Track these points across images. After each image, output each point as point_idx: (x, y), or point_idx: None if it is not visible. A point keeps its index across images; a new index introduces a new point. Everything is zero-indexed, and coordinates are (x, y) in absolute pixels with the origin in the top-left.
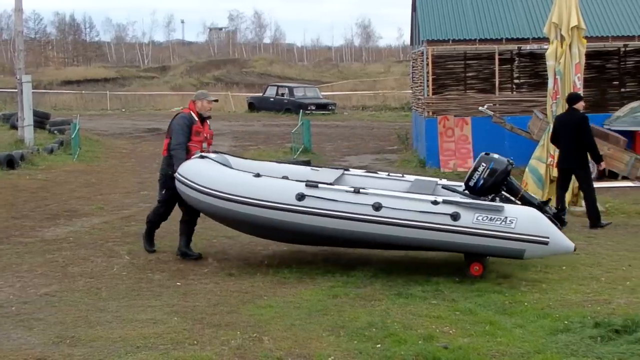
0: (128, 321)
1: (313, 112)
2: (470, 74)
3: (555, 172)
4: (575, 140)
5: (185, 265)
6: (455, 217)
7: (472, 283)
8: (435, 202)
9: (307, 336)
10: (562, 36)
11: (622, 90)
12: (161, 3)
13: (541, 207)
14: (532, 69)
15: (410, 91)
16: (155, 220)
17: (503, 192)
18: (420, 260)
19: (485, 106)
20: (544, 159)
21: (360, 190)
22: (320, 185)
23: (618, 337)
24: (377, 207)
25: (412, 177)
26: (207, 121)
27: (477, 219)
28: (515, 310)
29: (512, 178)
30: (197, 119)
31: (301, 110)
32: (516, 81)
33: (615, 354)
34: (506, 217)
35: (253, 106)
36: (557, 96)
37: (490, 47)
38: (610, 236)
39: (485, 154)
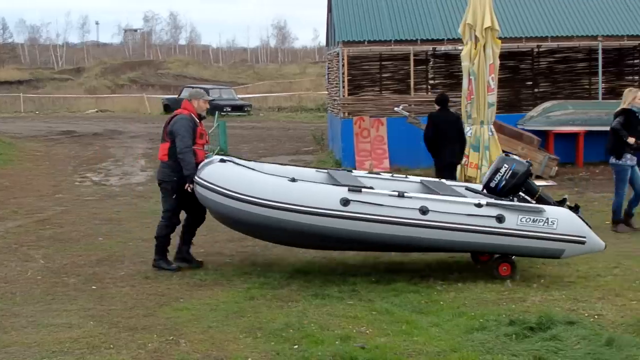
0: (43, 326)
1: (229, 113)
2: (385, 75)
3: (470, 172)
4: (458, 138)
5: (101, 269)
6: (500, 219)
7: (388, 283)
8: (479, 205)
9: (224, 338)
10: (476, 37)
11: (536, 90)
12: (76, 4)
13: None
14: (446, 69)
15: (326, 92)
16: (166, 233)
17: (521, 193)
18: (337, 260)
19: (401, 107)
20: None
21: (405, 194)
22: (363, 190)
23: (533, 335)
24: (424, 211)
25: (416, 179)
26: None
27: (521, 220)
28: (431, 309)
29: (531, 179)
30: (197, 120)
31: (217, 112)
32: (431, 82)
33: (530, 351)
34: (547, 219)
35: (169, 108)
36: (472, 96)
37: (405, 48)
38: None
39: (505, 154)
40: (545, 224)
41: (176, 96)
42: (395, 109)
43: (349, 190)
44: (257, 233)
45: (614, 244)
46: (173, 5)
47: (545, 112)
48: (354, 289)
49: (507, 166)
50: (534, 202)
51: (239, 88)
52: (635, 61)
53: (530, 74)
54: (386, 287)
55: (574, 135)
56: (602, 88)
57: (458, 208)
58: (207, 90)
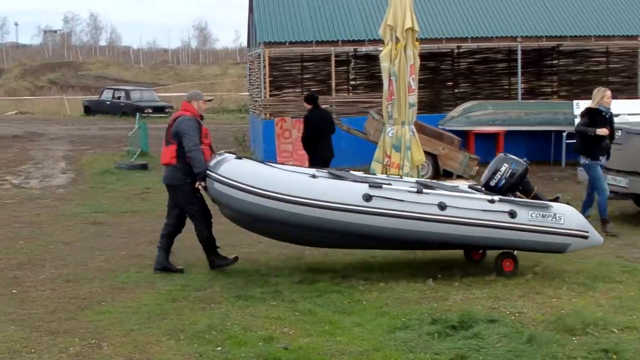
0: None
1: (150, 115)
2: (307, 76)
3: (392, 172)
4: (330, 134)
5: (22, 272)
6: (512, 214)
7: (311, 283)
8: (492, 201)
9: (147, 341)
10: (397, 38)
11: (456, 91)
12: None
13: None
14: (367, 70)
15: (248, 93)
16: (208, 233)
17: (517, 192)
18: (260, 262)
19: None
20: (380, 159)
21: (423, 190)
22: (384, 185)
23: (455, 333)
24: (443, 206)
25: (412, 179)
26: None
27: (531, 216)
28: (354, 309)
29: (527, 178)
30: (200, 121)
31: (138, 113)
32: (352, 82)
33: (452, 349)
34: (555, 214)
35: (89, 109)
36: (393, 97)
37: (326, 49)
38: None
39: (504, 154)
40: (553, 219)
41: (97, 97)
42: None
43: (369, 186)
44: (275, 231)
45: None
46: (93, 6)
47: (466, 112)
48: (276, 289)
49: (506, 166)
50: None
51: (159, 89)
52: (554, 61)
53: (450, 74)
54: (309, 287)
55: (494, 135)
56: (522, 88)
57: (473, 204)
58: (127, 92)
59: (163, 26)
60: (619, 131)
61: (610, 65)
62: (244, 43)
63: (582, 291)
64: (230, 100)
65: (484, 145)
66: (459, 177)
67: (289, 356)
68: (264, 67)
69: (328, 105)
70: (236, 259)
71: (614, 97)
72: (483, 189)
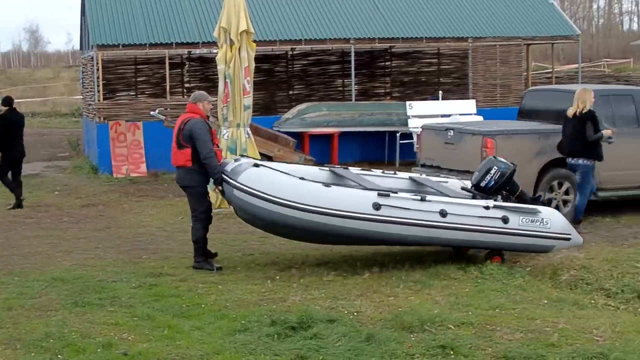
0: None
1: None
2: (141, 79)
3: None
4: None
5: None
6: (505, 220)
7: (149, 288)
8: (487, 207)
9: None
10: (231, 40)
11: (291, 92)
12: None
13: (534, 203)
14: (202, 72)
15: (81, 97)
16: (203, 234)
17: (504, 192)
18: (96, 267)
19: (157, 110)
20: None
21: (425, 198)
22: (391, 194)
23: (294, 334)
24: (444, 213)
25: (405, 175)
26: None
27: (522, 221)
28: (193, 312)
29: (514, 179)
30: (207, 121)
31: None
32: (187, 85)
33: (292, 350)
34: (542, 219)
35: None
36: (228, 100)
37: (160, 52)
38: None
39: (494, 157)
40: (541, 224)
41: None
42: (152, 113)
43: (378, 195)
44: (290, 234)
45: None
46: None
47: (300, 114)
48: (114, 295)
49: (496, 168)
50: (515, 199)
51: None
52: (387, 63)
53: (285, 76)
54: (147, 292)
55: (328, 137)
56: (355, 90)
57: (470, 210)
58: None
59: None
60: (451, 131)
61: (442, 67)
62: (77, 46)
63: (418, 289)
64: (62, 104)
65: (319, 146)
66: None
67: None
68: (97, 70)
69: (163, 108)
70: (220, 268)
71: (445, 98)
72: (473, 188)
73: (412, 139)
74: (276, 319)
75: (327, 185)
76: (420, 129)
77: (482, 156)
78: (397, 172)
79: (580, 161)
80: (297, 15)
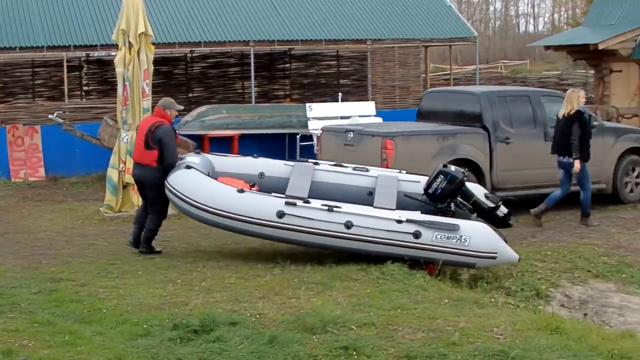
0: None
1: None
2: (38, 82)
3: (127, 178)
4: None
5: None
6: (417, 235)
7: (49, 293)
8: (399, 221)
9: None
10: (130, 43)
11: (190, 95)
12: None
13: (490, 211)
14: (101, 75)
15: None
16: (156, 229)
17: (458, 198)
18: None
19: (55, 114)
20: (116, 165)
21: (334, 208)
22: (298, 203)
23: (197, 337)
24: (349, 225)
25: (376, 172)
26: None
27: (435, 237)
28: (94, 318)
29: (467, 186)
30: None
31: None
32: (85, 88)
33: (195, 353)
34: (461, 236)
35: None
36: (127, 102)
37: (58, 54)
38: (184, 238)
39: (443, 166)
40: (459, 241)
41: None
42: (50, 116)
43: (285, 203)
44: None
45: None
46: None
47: (200, 116)
48: (13, 301)
49: (442, 176)
50: (470, 206)
51: None
52: (286, 65)
53: (184, 79)
54: (47, 297)
55: (228, 139)
56: (255, 92)
57: (379, 224)
58: None
59: None
60: (351, 132)
61: (341, 69)
62: None
63: (320, 290)
64: None
65: (219, 149)
66: None
67: None
68: None
69: (61, 111)
70: (159, 252)
71: (345, 99)
72: (424, 196)
73: (312, 140)
74: (178, 323)
75: (240, 191)
76: (320, 131)
77: (382, 157)
78: (369, 169)
79: (566, 159)
80: (196, 17)
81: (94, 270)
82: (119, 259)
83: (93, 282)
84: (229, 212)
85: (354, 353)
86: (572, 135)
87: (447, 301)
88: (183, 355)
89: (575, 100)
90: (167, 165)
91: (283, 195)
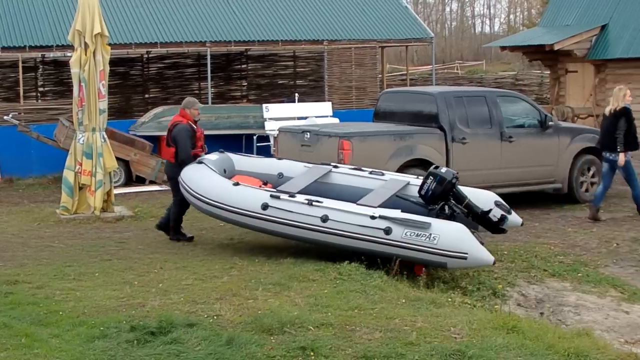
0: None
1: None
2: None
3: (84, 180)
4: None
5: None
6: (387, 231)
7: (5, 296)
8: (372, 217)
9: None
10: (86, 43)
11: (147, 96)
12: None
13: (483, 215)
14: (56, 76)
15: None
16: (178, 217)
17: (451, 200)
18: None
19: (10, 115)
20: (72, 167)
21: (314, 202)
22: (281, 196)
23: (154, 339)
24: (325, 219)
25: (389, 176)
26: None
27: (405, 234)
28: (50, 320)
29: (459, 188)
30: (195, 126)
31: None
32: (41, 89)
33: (152, 355)
34: (430, 234)
35: None
36: (83, 103)
37: (13, 55)
38: (141, 240)
39: (435, 167)
40: (427, 239)
41: None
42: (5, 117)
43: (270, 196)
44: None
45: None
46: None
47: (157, 117)
48: None
49: (432, 178)
50: (463, 209)
51: None
52: (243, 66)
53: (140, 80)
54: (3, 300)
55: None
56: (212, 93)
57: (354, 219)
58: None
59: None
60: (308, 133)
61: (298, 69)
62: None
63: (277, 291)
64: None
65: None
66: (152, 182)
67: None
68: None
69: (16, 113)
70: (192, 238)
71: (302, 100)
72: (420, 198)
73: (269, 141)
74: (135, 325)
75: (236, 184)
76: (277, 132)
77: (339, 158)
78: (385, 173)
79: (613, 156)
80: (153, 18)
81: (51, 273)
82: (76, 261)
83: (49, 285)
84: (221, 203)
85: (312, 354)
86: (618, 130)
87: (404, 301)
88: (140, 357)
89: (621, 97)
90: (180, 161)
91: (272, 189)
